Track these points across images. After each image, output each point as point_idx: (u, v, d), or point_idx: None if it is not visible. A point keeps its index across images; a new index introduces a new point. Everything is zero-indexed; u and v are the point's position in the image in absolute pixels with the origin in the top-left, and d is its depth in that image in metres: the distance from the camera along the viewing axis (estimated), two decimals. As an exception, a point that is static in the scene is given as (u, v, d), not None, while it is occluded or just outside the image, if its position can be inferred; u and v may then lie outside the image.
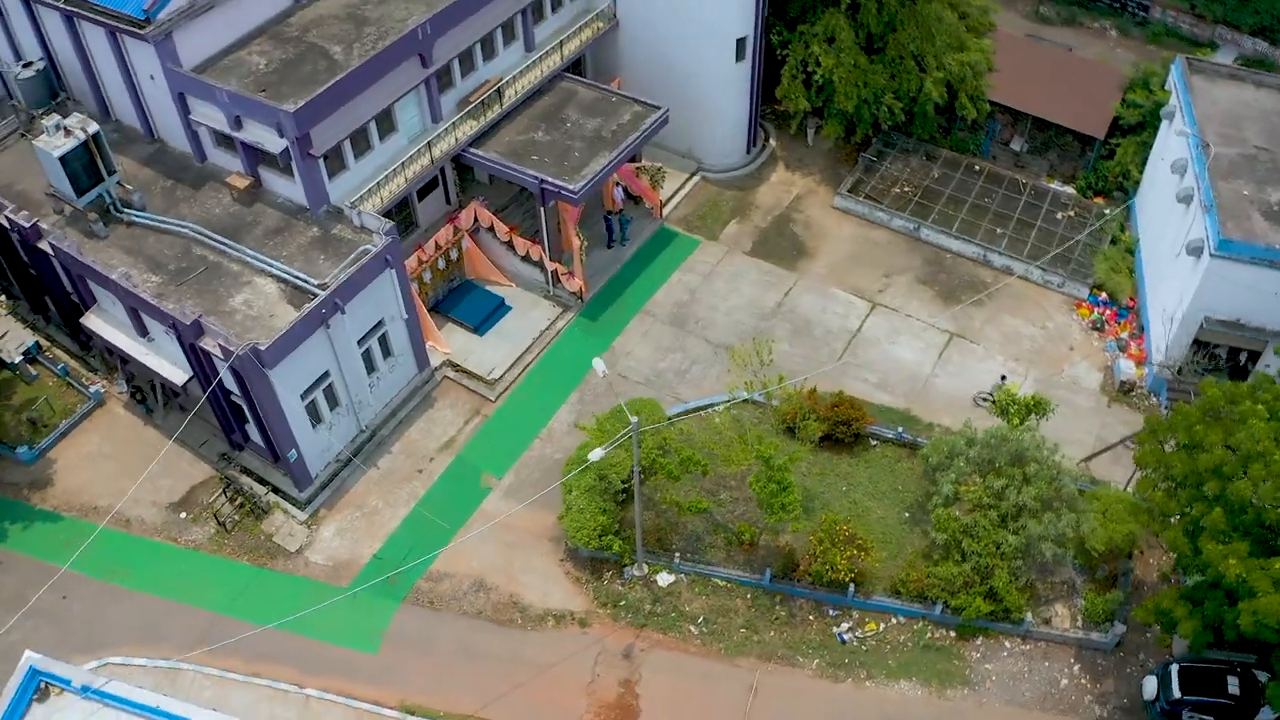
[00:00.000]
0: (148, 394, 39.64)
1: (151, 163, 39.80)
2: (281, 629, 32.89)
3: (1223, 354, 39.38)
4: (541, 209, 40.37)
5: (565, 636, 33.60)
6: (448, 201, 43.31)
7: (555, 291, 42.87)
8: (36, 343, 41.58)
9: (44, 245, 36.45)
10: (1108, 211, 45.70)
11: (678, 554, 34.72)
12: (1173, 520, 28.78)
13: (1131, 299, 43.17)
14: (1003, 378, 39.62)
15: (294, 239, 36.52)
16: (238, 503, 36.82)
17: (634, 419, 29.27)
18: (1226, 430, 27.81)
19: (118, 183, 37.14)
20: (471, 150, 40.44)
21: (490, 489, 37.29)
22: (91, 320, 37.71)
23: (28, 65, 39.55)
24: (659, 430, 34.21)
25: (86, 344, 41.18)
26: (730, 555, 35.00)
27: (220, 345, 32.55)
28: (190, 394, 36.48)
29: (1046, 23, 54.81)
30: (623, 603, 34.21)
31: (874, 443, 38.22)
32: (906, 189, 46.74)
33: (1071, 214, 45.82)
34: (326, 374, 35.85)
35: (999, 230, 45.05)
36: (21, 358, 40.59)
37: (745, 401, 37.59)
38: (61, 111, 39.65)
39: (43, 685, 25.87)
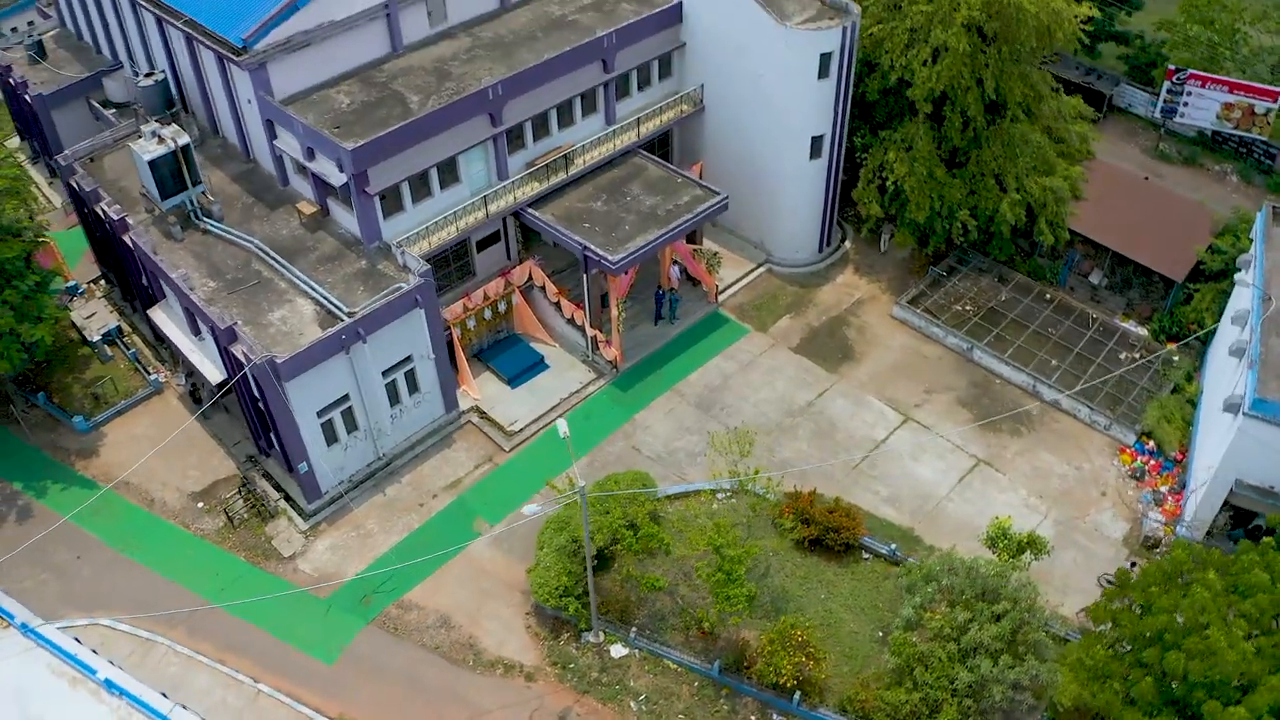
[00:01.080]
0: (200, 391, 43.65)
1: (241, 180, 44.34)
2: (258, 627, 36.00)
3: (1263, 522, 37.78)
4: (584, 275, 42.69)
5: (509, 686, 34.98)
6: (508, 257, 46.16)
7: (593, 357, 44.94)
8: (119, 326, 46.49)
9: (127, 239, 41.14)
10: (1176, 358, 44.61)
11: (634, 628, 35.71)
12: (1112, 683, 28.07)
13: (1180, 452, 41.90)
14: (1132, 564, 38.19)
15: (342, 268, 39.97)
16: (250, 503, 40.04)
17: (580, 484, 30.78)
18: (1181, 596, 27.19)
19: (202, 192, 41.68)
20: (529, 210, 43.25)
21: (480, 534, 39.27)
22: (156, 313, 42.14)
23: (150, 75, 44.92)
24: (637, 502, 35.50)
25: (160, 336, 45.71)
26: (688, 640, 35.69)
27: (244, 352, 36.00)
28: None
29: (1165, 160, 54.05)
30: (572, 665, 35.37)
31: (866, 556, 38.32)
32: (968, 307, 46.89)
33: (1137, 356, 44.94)
34: (346, 397, 38.81)
35: (1054, 362, 44.62)
36: (100, 338, 45.50)
37: (746, 493, 38.43)
38: (178, 121, 44.90)
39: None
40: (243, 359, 36.12)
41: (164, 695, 27.37)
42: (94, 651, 35.58)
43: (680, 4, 46.00)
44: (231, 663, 35.65)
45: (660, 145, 49.83)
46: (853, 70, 45.00)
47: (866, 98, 47.39)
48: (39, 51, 51.91)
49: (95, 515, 39.77)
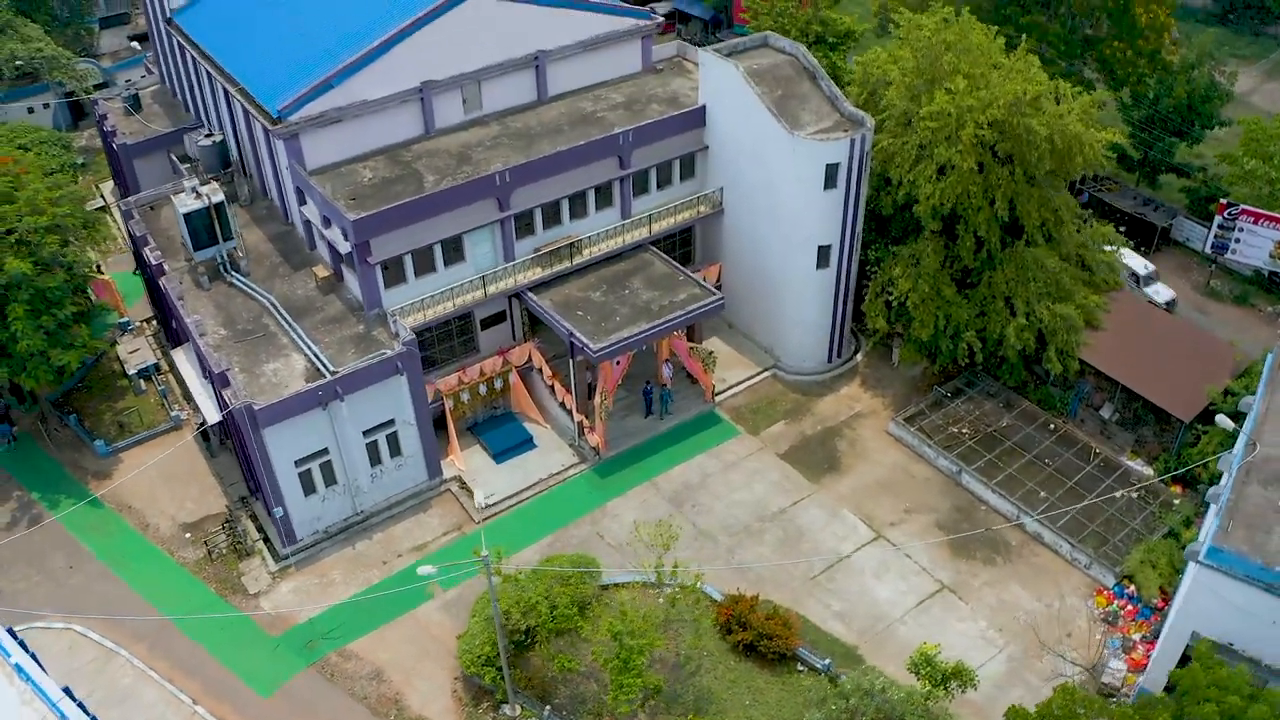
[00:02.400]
0: (211, 433, 48.39)
1: (277, 240, 49.47)
2: (210, 653, 40.21)
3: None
4: (570, 361, 45.82)
5: (421, 746, 37.63)
6: (513, 337, 49.70)
7: (579, 442, 47.79)
8: (156, 364, 51.96)
9: (162, 283, 46.54)
10: (1177, 502, 44.46)
11: (549, 707, 37.86)
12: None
13: (1163, 600, 41.64)
14: None
15: (341, 330, 44.21)
16: (230, 540, 44.18)
17: (485, 553, 33.48)
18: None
19: (233, 248, 46.81)
20: (529, 293, 46.80)
21: (433, 596, 42.28)
22: (178, 353, 47.26)
23: (209, 136, 50.77)
24: (566, 583, 37.92)
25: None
26: (604, 724, 37.66)
27: (229, 396, 40.38)
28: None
29: (1215, 297, 54.02)
30: (485, 735, 37.80)
31: (800, 668, 39.53)
32: (964, 430, 47.84)
33: (1134, 496, 44.96)
34: (325, 451, 42.67)
35: (1043, 494, 45.06)
36: (136, 372, 50.99)
37: (689, 589, 40.27)
38: (233, 181, 50.58)
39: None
40: (228, 402, 40.49)
41: (66, 690, 30.43)
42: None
43: (703, 108, 49.36)
44: (179, 682, 39.46)
45: (682, 244, 52.93)
46: (863, 182, 47.22)
47: (881, 212, 49.47)
48: (134, 104, 58.92)
49: (94, 531, 44.88)
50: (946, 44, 45.32)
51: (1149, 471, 46.41)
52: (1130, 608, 41.77)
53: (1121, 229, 57.89)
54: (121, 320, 54.09)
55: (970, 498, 45.96)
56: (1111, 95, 58.38)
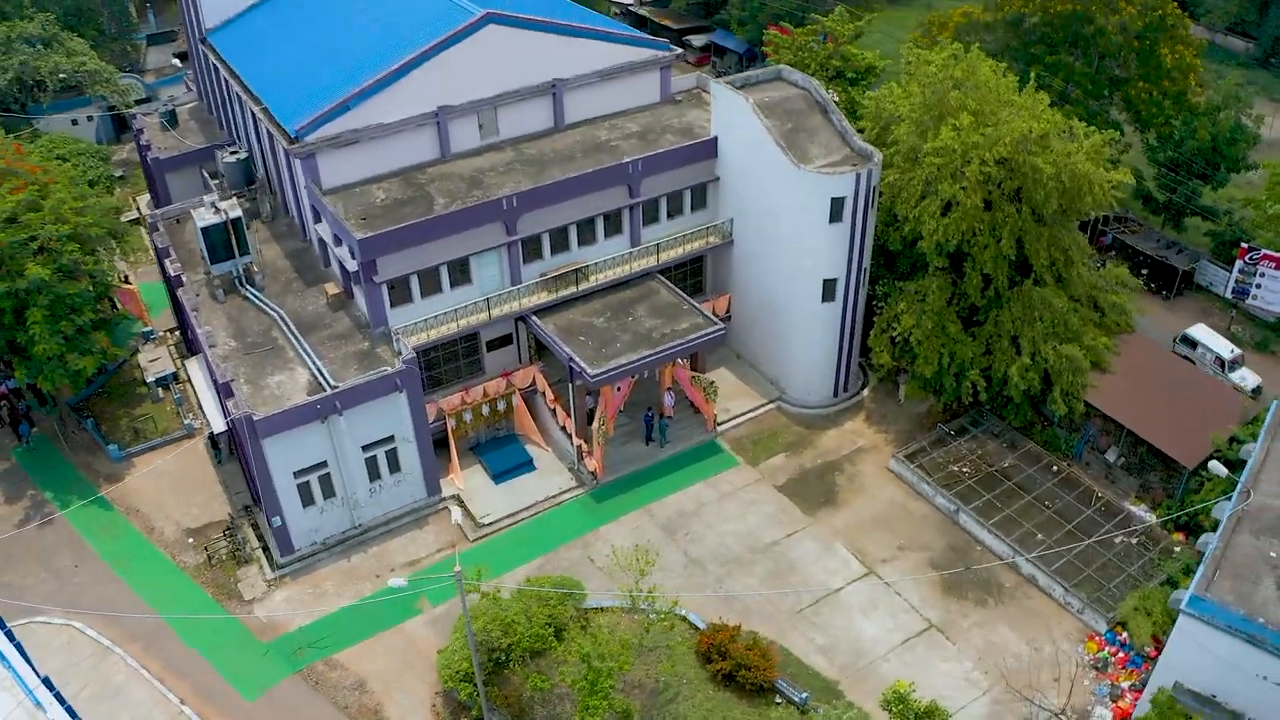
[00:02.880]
0: (220, 442, 50.16)
1: (294, 257, 51.36)
2: (202, 655, 41.76)
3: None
4: (570, 385, 46.98)
5: (397, 758, 38.76)
6: (519, 359, 50.98)
7: (578, 466, 48.87)
8: (174, 374, 53.98)
9: (179, 294, 48.56)
10: (1177, 549, 44.38)
11: (523, 725, 38.87)
12: None
13: (1155, 649, 41.55)
14: None
15: (346, 347, 45.81)
16: (230, 547, 45.81)
17: (457, 569, 34.57)
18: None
19: (250, 263, 48.72)
20: (533, 317, 48.08)
21: (421, 611, 43.49)
22: (191, 363, 49.21)
23: (234, 152, 52.91)
24: (546, 604, 38.91)
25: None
26: (575, 746, 38.46)
27: (231, 406, 42.08)
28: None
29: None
30: (459, 751, 38.83)
31: (778, 700, 40.09)
32: (965, 469, 48.15)
33: (1134, 542, 44.92)
34: (324, 464, 44.17)
35: (1040, 535, 45.19)
36: (155, 381, 53.06)
37: (665, 615, 41.03)
38: (257, 197, 52.63)
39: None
40: (230, 411, 42.19)
41: (45, 680, 31.89)
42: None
43: (715, 140, 50.49)
44: (169, 682, 40.95)
45: (694, 274, 53.97)
46: (869, 217, 47.95)
47: (889, 247, 50.15)
48: (170, 120, 61.48)
49: (101, 532, 46.84)
50: (954, 80, 46.04)
51: (1151, 518, 46.37)
52: (1121, 655, 41.75)
53: (1143, 272, 58.05)
54: (145, 330, 56.26)
55: (966, 537, 46.21)
56: (1135, 135, 58.65)
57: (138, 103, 73.34)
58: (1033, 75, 47.17)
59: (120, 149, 75.43)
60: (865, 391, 53.61)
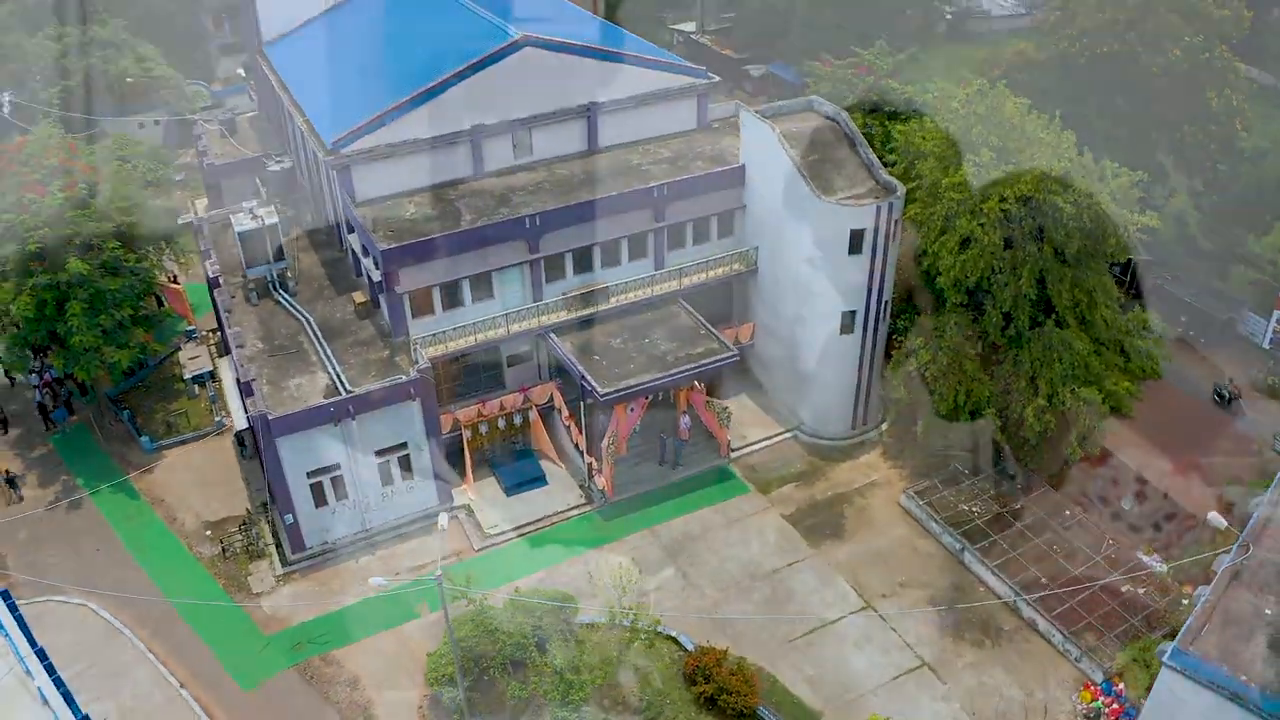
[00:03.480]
0: (246, 440, 52.59)
1: (329, 265, 53.74)
2: (205, 642, 43.93)
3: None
4: (581, 403, 48.40)
5: (381, 756, 40.34)
6: (539, 375, 52.54)
7: (589, 484, 50.21)
8: (210, 372, 56.66)
9: (215, 295, 51.16)
10: (1185, 601, 44.13)
11: (507, 732, 40.16)
12: None
13: (1147, 706, 41.45)
14: None
15: (366, 354, 47.86)
16: (245, 541, 48.02)
17: (438, 573, 36.07)
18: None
19: (284, 268, 51.16)
20: (551, 335, 49.60)
21: (419, 616, 45.13)
22: (222, 362, 51.76)
23: (279, 161, 55.58)
24: (532, 617, 40.25)
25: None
26: (555, 757, 39.66)
27: (250, 404, 44.31)
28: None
29: (1272, 394, 53.21)
30: (442, 752, 40.27)
31: (761, 727, 40.89)
32: (975, 508, 48.41)
33: (1140, 591, 44.76)
34: (337, 466, 46.16)
35: (1043, 579, 45.27)
36: (191, 378, 55.79)
37: (648, 632, 42.09)
38: (300, 206, 55.18)
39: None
40: (249, 409, 44.43)
41: (39, 651, 33.94)
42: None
43: (743, 167, 51.70)
44: (171, 666, 43.20)
45: (721, 301, 55.00)
46: (890, 250, 48.64)
47: (912, 281, 50.72)
48: (229, 128, 64.61)
49: (126, 520, 49.50)
50: (978, 116, 46.65)
51: (1162, 567, 46.14)
52: (1116, 706, 41.59)
53: (1183, 319, 57.66)
54: (188, 328, 59.13)
55: (970, 577, 46.46)
56: (1181, 179, 58.38)
57: (203, 110, 76.95)
58: (1057, 115, 47.43)
59: (185, 153, 79.07)
60: (884, 425, 54.10)
